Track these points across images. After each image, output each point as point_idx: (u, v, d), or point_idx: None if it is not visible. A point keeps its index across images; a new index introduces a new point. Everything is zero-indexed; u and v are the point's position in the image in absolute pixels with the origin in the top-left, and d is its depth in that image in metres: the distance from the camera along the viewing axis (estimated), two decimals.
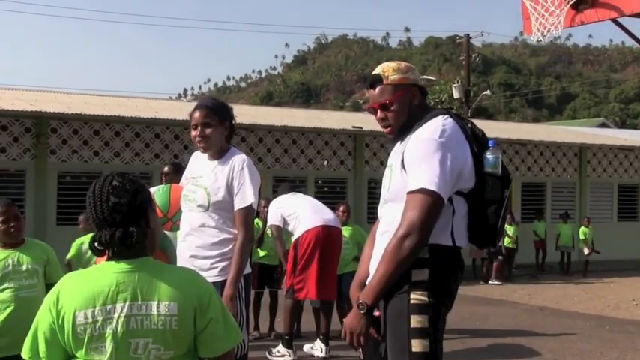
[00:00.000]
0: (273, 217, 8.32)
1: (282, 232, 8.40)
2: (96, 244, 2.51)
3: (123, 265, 2.49)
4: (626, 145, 23.50)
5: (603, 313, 11.97)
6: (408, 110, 3.33)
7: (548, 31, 9.39)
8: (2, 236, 4.28)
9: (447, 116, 3.29)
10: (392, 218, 3.22)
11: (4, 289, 4.22)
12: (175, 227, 4.65)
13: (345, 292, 9.05)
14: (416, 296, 3.13)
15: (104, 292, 2.45)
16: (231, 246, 4.27)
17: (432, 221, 3.09)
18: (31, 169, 15.64)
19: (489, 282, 16.19)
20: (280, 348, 8.02)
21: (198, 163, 4.53)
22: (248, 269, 4.38)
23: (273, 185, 16.68)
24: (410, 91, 3.34)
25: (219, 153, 4.44)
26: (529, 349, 8.68)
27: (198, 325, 2.54)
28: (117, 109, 17.75)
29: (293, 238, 8.17)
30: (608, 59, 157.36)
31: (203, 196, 4.33)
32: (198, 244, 4.34)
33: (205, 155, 4.49)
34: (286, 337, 8.05)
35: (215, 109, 4.43)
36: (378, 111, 3.37)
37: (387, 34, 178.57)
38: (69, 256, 7.44)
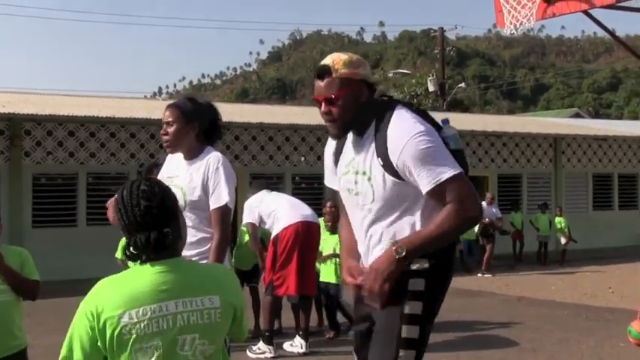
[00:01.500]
0: (250, 215, 8.30)
1: (257, 230, 8.41)
2: (131, 248, 2.53)
3: (159, 267, 2.52)
4: (599, 135, 23.70)
5: (581, 301, 12.09)
6: (353, 107, 3.21)
7: (521, 24, 9.46)
8: None
9: (405, 108, 3.24)
10: (399, 228, 3.20)
11: None
12: None
13: (331, 301, 9.10)
14: (413, 282, 3.16)
15: (147, 293, 2.47)
16: (208, 245, 4.26)
17: (472, 195, 3.12)
18: (5, 172, 15.51)
19: (480, 274, 16.18)
20: (261, 345, 8.03)
21: (174, 163, 4.50)
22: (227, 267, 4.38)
23: (250, 183, 16.67)
24: (358, 87, 3.21)
25: (193, 152, 4.41)
26: (507, 340, 8.76)
27: (237, 316, 2.66)
28: (91, 109, 17.64)
29: (272, 235, 8.18)
30: (580, 50, 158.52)
31: (179, 196, 4.31)
32: None
33: (181, 155, 4.48)
34: (266, 333, 8.06)
35: (183, 108, 4.39)
36: (323, 104, 3.23)
37: (362, 28, 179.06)
38: (118, 256, 7.33)
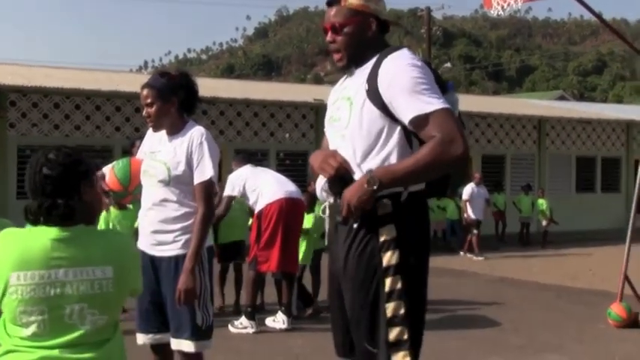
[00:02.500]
0: (230, 187, 8.25)
1: (233, 202, 8.38)
2: (27, 212, 2.58)
3: (56, 232, 2.54)
4: (584, 118, 23.84)
5: (562, 283, 12.18)
6: (358, 40, 3.12)
7: (508, 5, 9.45)
8: None
9: (411, 51, 3.13)
10: (370, 163, 3.01)
11: None
12: (136, 200, 4.62)
13: (313, 271, 9.19)
14: (387, 257, 2.97)
15: (38, 257, 2.49)
16: (192, 220, 4.27)
17: (459, 132, 2.89)
18: None
19: (474, 257, 15.97)
20: (243, 320, 8.06)
21: (156, 137, 4.49)
22: (210, 242, 4.39)
23: (240, 153, 16.64)
24: (366, 20, 3.12)
25: (175, 127, 4.38)
26: (489, 320, 8.83)
27: (132, 287, 2.69)
28: (77, 81, 17.53)
29: (256, 210, 8.17)
30: (567, 32, 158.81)
31: (163, 170, 4.30)
32: (160, 218, 4.32)
33: (162, 132, 4.47)
34: (249, 309, 8.09)
35: (158, 87, 4.35)
36: (329, 32, 3.16)
37: None
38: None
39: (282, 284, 8.40)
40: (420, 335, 3.04)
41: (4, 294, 2.49)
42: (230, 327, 8.03)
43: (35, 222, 2.57)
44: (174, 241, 4.28)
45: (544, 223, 19.20)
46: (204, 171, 4.27)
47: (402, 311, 2.95)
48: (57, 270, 2.49)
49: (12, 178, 15.46)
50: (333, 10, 3.16)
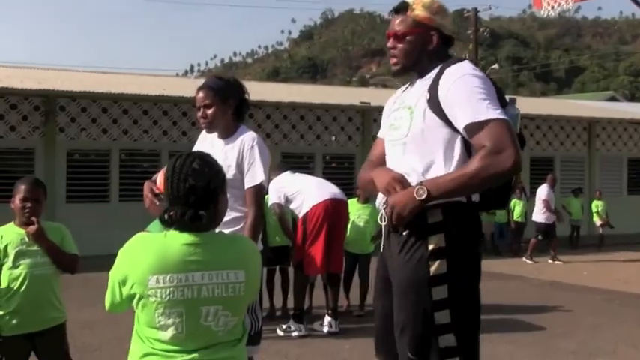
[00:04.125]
0: (275, 195, 8.31)
1: (284, 209, 8.41)
2: (166, 217, 2.61)
3: (191, 237, 2.58)
4: (635, 119, 23.37)
5: (613, 287, 11.97)
6: (418, 53, 3.15)
7: (559, 5, 9.34)
8: (18, 213, 4.31)
9: (474, 65, 3.12)
10: (428, 172, 3.02)
11: (18, 266, 4.24)
12: None
13: (362, 274, 9.17)
14: (435, 266, 2.96)
15: (176, 261, 2.54)
16: (242, 224, 4.28)
17: (514, 144, 2.85)
18: (40, 147, 15.67)
19: (524, 258, 15.76)
20: (291, 324, 8.05)
21: (207, 142, 4.51)
22: (259, 246, 4.38)
23: (279, 161, 16.68)
24: (429, 33, 3.14)
25: (228, 131, 4.41)
26: (538, 324, 8.70)
27: (257, 288, 2.80)
28: (125, 86, 17.74)
29: (300, 214, 8.17)
30: (617, 32, 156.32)
31: None
32: None
33: (214, 134, 4.48)
34: (297, 312, 8.08)
35: (217, 89, 4.38)
36: (391, 39, 3.18)
37: None
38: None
39: (327, 286, 8.39)
40: (473, 344, 3.03)
41: (142, 296, 2.54)
42: (278, 331, 8.03)
43: (169, 226, 2.61)
44: None
45: (598, 223, 18.82)
46: (255, 176, 4.28)
47: (449, 320, 2.95)
48: (194, 273, 2.54)
49: (61, 182, 15.67)
50: (398, 19, 3.19)
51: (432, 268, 2.97)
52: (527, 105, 24.00)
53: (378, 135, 3.45)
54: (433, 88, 3.03)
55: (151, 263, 2.53)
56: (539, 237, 16.06)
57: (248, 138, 4.35)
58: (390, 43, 3.20)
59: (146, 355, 2.57)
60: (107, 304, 2.68)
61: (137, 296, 2.55)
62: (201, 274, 2.55)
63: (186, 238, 2.58)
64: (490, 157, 2.84)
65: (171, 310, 2.52)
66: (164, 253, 2.55)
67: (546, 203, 15.94)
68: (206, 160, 2.71)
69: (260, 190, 4.31)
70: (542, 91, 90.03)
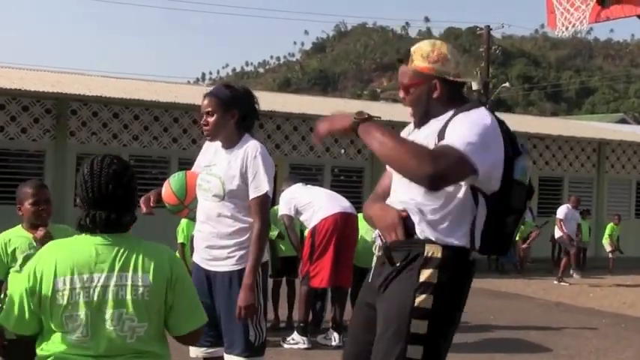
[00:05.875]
0: (285, 207, 8.31)
1: (293, 222, 8.40)
2: (88, 222, 2.59)
3: (101, 239, 2.57)
4: None
5: (619, 310, 11.92)
6: (425, 103, 3.14)
7: (573, 26, 9.30)
8: (31, 217, 4.29)
9: (489, 111, 3.11)
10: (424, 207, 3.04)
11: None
12: (192, 214, 4.61)
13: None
14: (420, 299, 2.97)
15: (84, 262, 2.53)
16: (247, 235, 4.24)
17: (447, 171, 2.84)
18: (51, 150, 15.72)
19: (561, 282, 15.50)
20: (295, 336, 8.04)
21: (211, 151, 4.48)
22: (265, 257, 4.37)
23: (290, 173, 16.66)
24: (430, 83, 3.12)
25: (232, 141, 4.36)
26: (543, 345, 8.66)
27: (169, 299, 2.64)
28: (136, 92, 17.79)
29: (310, 226, 8.16)
30: (629, 54, 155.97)
31: (217, 185, 4.28)
32: (214, 233, 4.30)
33: (218, 143, 4.44)
34: (301, 324, 8.07)
35: (221, 97, 4.33)
36: (401, 90, 3.22)
37: (407, 23, 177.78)
38: (180, 240, 8.07)
39: (334, 300, 8.38)
40: None
41: (50, 300, 2.52)
42: (282, 343, 8.01)
43: (90, 230, 2.60)
44: (228, 257, 4.26)
45: (608, 248, 18.75)
46: (260, 186, 4.23)
47: (420, 357, 2.97)
48: (100, 274, 2.53)
49: (70, 186, 15.69)
50: (401, 69, 3.21)
51: (417, 300, 2.97)
52: (537, 124, 24.00)
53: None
54: (443, 133, 3.02)
55: (59, 266, 2.52)
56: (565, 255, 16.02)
57: (251, 147, 4.29)
58: (401, 93, 3.23)
59: (56, 359, 2.55)
60: (11, 322, 2.60)
61: (43, 300, 2.52)
62: (106, 275, 2.52)
63: (96, 239, 2.57)
64: (424, 155, 2.86)
65: (76, 312, 2.50)
66: (72, 255, 2.54)
67: (559, 222, 16.09)
68: (123, 162, 2.69)
69: (265, 200, 4.26)
70: (553, 111, 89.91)
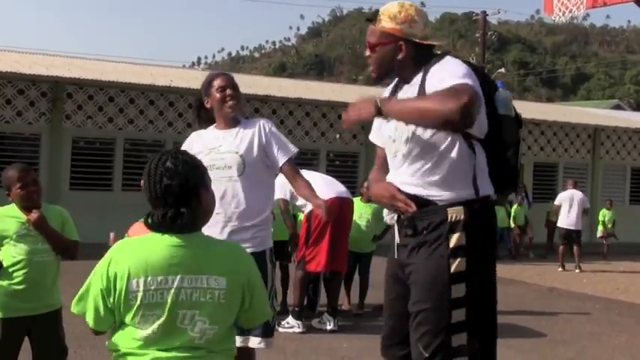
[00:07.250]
0: (281, 191, 8.27)
1: (289, 205, 8.39)
2: (150, 220, 2.59)
3: (174, 239, 2.56)
4: None
5: (613, 296, 11.97)
6: (389, 61, 3.15)
7: (570, 11, 9.32)
8: (22, 201, 4.27)
9: (455, 58, 3.13)
10: (429, 176, 3.08)
11: (18, 251, 4.22)
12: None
13: (362, 273, 9.15)
14: (455, 264, 3.01)
15: (157, 264, 2.52)
16: (265, 215, 4.32)
17: (470, 101, 2.79)
18: (46, 134, 15.71)
19: (576, 270, 15.29)
20: (290, 320, 8.06)
21: (207, 138, 4.47)
22: (270, 243, 4.40)
23: None
24: (396, 44, 3.13)
25: (235, 121, 4.43)
26: (538, 330, 8.70)
27: (245, 303, 2.65)
28: (132, 76, 17.75)
29: (306, 211, 8.16)
30: (625, 40, 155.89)
31: (235, 158, 4.28)
32: (233, 215, 4.30)
33: (210, 130, 4.46)
34: (296, 308, 8.08)
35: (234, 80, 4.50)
36: (367, 48, 3.22)
37: None
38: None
39: (328, 284, 8.39)
40: (489, 343, 3.08)
41: (123, 300, 2.53)
42: (277, 327, 8.02)
43: (158, 230, 2.58)
44: (253, 238, 4.28)
45: (599, 234, 18.76)
46: (288, 147, 4.42)
47: (464, 318, 3.00)
48: (174, 276, 2.52)
49: (66, 169, 15.70)
50: (370, 29, 3.21)
51: (453, 266, 3.01)
52: (533, 110, 23.98)
53: (374, 140, 3.47)
54: (421, 91, 3.04)
55: (132, 267, 2.51)
56: (565, 242, 15.85)
57: (265, 122, 4.45)
58: (367, 52, 3.23)
59: (123, 354, 2.56)
60: (90, 321, 2.62)
61: (117, 299, 2.53)
62: (180, 277, 2.52)
63: (168, 240, 2.55)
64: (443, 96, 2.84)
65: (150, 312, 2.51)
66: (145, 256, 2.53)
67: (556, 208, 15.74)
68: (179, 157, 2.64)
69: (293, 159, 4.46)
70: (548, 97, 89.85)
